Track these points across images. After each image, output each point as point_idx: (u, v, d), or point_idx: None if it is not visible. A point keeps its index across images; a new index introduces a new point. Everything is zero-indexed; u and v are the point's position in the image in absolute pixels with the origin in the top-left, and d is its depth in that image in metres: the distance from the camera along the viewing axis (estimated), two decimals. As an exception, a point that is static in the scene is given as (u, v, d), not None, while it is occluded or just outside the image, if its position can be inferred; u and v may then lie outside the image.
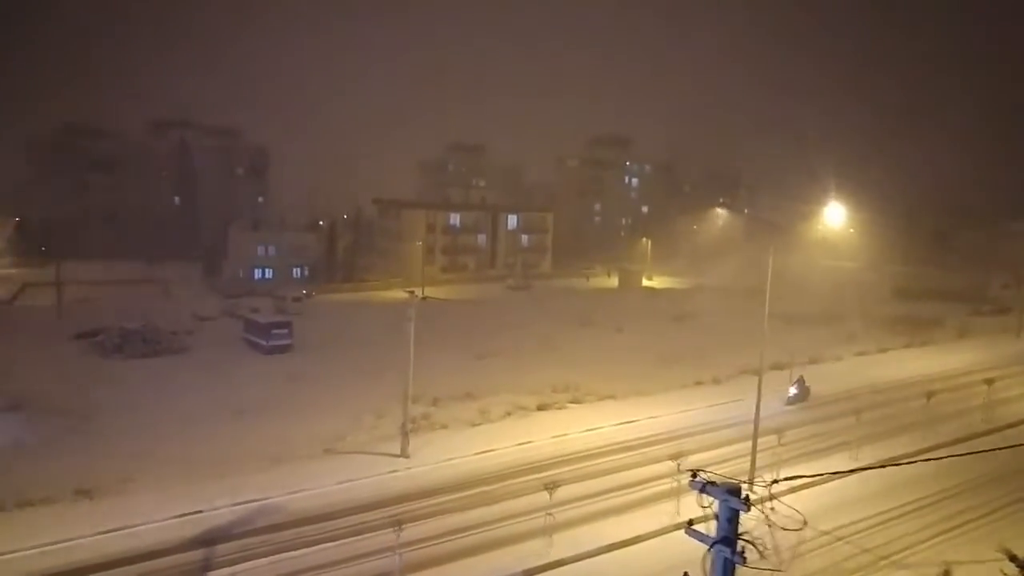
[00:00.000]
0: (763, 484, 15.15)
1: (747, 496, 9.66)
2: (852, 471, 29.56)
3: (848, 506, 30.32)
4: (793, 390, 44.95)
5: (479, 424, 39.70)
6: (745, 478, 27.65)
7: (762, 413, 33.17)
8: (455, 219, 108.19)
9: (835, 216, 78.04)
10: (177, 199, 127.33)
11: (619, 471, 33.69)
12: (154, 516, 27.71)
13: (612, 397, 45.40)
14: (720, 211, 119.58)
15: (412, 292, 37.02)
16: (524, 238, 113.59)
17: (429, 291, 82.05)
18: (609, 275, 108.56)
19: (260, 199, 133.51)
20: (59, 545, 25.47)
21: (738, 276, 74.69)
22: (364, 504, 29.43)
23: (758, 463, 31.93)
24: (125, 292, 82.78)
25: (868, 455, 35.70)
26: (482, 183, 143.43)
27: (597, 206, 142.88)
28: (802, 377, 46.11)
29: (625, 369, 51.91)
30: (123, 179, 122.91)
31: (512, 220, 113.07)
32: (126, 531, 26.70)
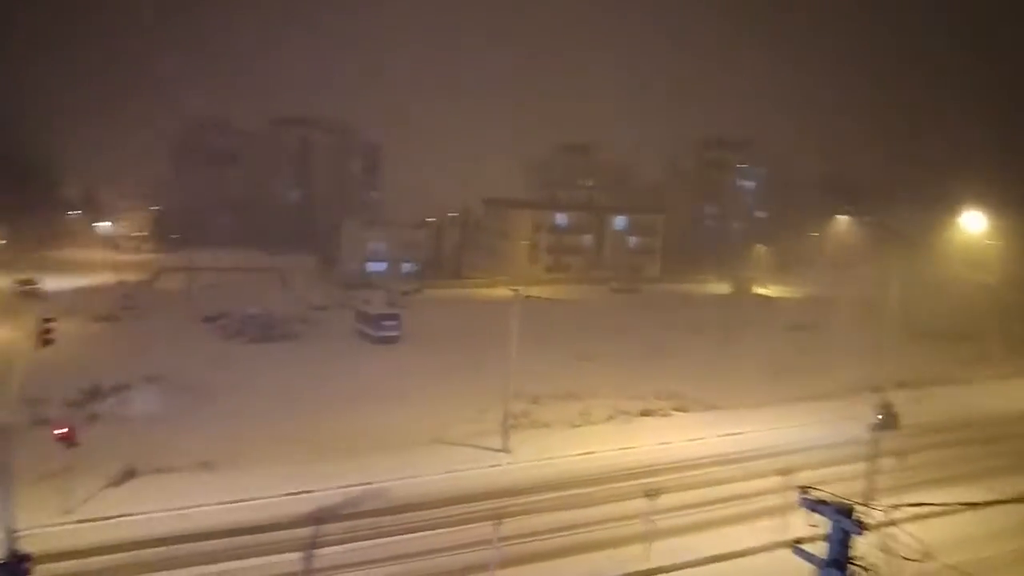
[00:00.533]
0: (880, 508, 14.42)
1: (861, 519, 9.31)
2: (988, 503, 27.65)
3: (970, 541, 28.33)
4: (878, 416, 41.47)
5: (580, 425, 39.73)
6: (856, 500, 26.41)
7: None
8: (561, 219, 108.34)
9: (974, 225, 72.46)
10: (297, 192, 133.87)
11: (723, 483, 32.91)
12: (267, 492, 29.46)
13: (718, 407, 44.34)
14: (842, 217, 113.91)
15: (516, 290, 37.49)
16: (632, 240, 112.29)
17: (533, 290, 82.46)
18: (720, 281, 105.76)
19: (374, 195, 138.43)
20: (184, 511, 27.54)
21: (860, 287, 71.09)
22: (465, 495, 30.12)
23: (856, 486, 30.36)
24: (247, 279, 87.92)
25: (969, 492, 33.12)
26: (590, 183, 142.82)
27: (710, 209, 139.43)
28: (889, 402, 42.32)
29: (733, 379, 50.51)
30: (249, 172, 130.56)
31: (620, 221, 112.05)
32: (242, 503, 28.52)
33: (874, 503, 28.78)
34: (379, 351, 55.64)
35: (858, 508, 9.64)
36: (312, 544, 25.53)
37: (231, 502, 28.47)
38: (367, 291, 78.58)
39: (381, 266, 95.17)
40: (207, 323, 61.87)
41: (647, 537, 26.12)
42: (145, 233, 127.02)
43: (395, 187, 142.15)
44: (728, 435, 39.44)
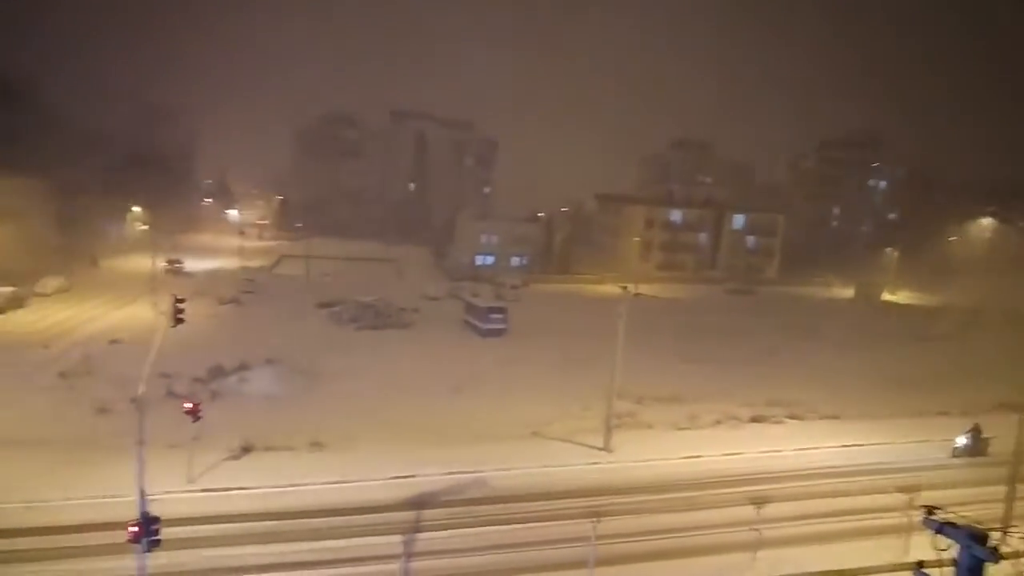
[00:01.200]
0: (1020, 536, 13.29)
1: (996, 546, 8.60)
2: None
3: None
4: (962, 440, 37.98)
5: (686, 428, 38.89)
6: (990, 526, 24.50)
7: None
8: (676, 216, 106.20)
9: None
10: (412, 185, 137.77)
11: (837, 496, 31.35)
12: (373, 474, 30.55)
13: (836, 417, 42.26)
14: (988, 221, 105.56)
15: (625, 287, 37.03)
16: (750, 240, 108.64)
17: (643, 288, 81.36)
18: (845, 286, 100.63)
19: (487, 189, 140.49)
20: (294, 488, 29.00)
21: (1003, 296, 65.83)
22: (565, 491, 30.16)
23: (989, 510, 28.09)
24: (362, 268, 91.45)
25: None
26: (708, 180, 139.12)
27: (835, 210, 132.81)
28: (978, 426, 38.61)
29: (854, 388, 47.99)
30: (369, 165, 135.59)
31: (738, 220, 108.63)
32: (349, 484, 29.71)
33: (1012, 530, 26.70)
34: (486, 343, 56.49)
35: (993, 534, 8.92)
36: (413, 528, 26.29)
37: (338, 482, 29.71)
38: (476, 283, 79.91)
39: (491, 259, 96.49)
40: (323, 309, 64.69)
41: (752, 546, 25.28)
42: (269, 221, 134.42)
43: (508, 181, 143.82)
44: (845, 447, 37.53)
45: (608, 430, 34.95)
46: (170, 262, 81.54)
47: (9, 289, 58.72)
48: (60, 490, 27.35)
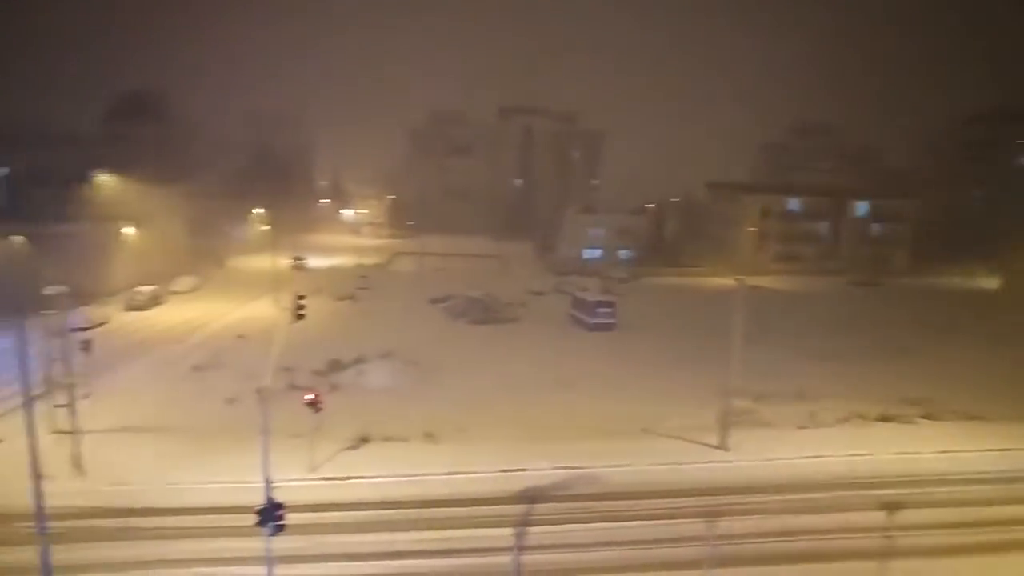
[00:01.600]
0: None
1: None
2: None
3: None
4: None
5: (808, 427, 37.23)
6: None
7: None
8: (794, 204, 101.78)
9: None
10: (519, 181, 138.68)
11: (982, 504, 29.16)
12: (484, 466, 31.02)
13: (980, 418, 39.26)
14: None
15: (740, 280, 35.80)
16: (875, 228, 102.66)
17: (759, 280, 78.53)
18: (990, 276, 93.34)
19: (594, 182, 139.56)
20: (409, 478, 29.85)
21: None
22: (679, 489, 29.58)
23: None
24: (471, 264, 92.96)
25: None
26: (828, 166, 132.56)
27: (978, 193, 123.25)
28: None
29: (1003, 387, 44.38)
30: (475, 162, 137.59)
31: (862, 207, 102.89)
32: (461, 475, 30.29)
33: None
34: (594, 338, 56.15)
35: None
36: (524, 521, 26.49)
37: (451, 473, 30.36)
38: (583, 278, 79.58)
39: (598, 252, 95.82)
40: (434, 304, 66.27)
41: (882, 554, 23.89)
42: (382, 220, 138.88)
43: (616, 173, 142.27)
44: (991, 450, 34.83)
45: (724, 428, 33.98)
46: (295, 259, 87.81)
47: (150, 288, 63.59)
48: (194, 474, 29.34)
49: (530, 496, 28.48)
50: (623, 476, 30.66)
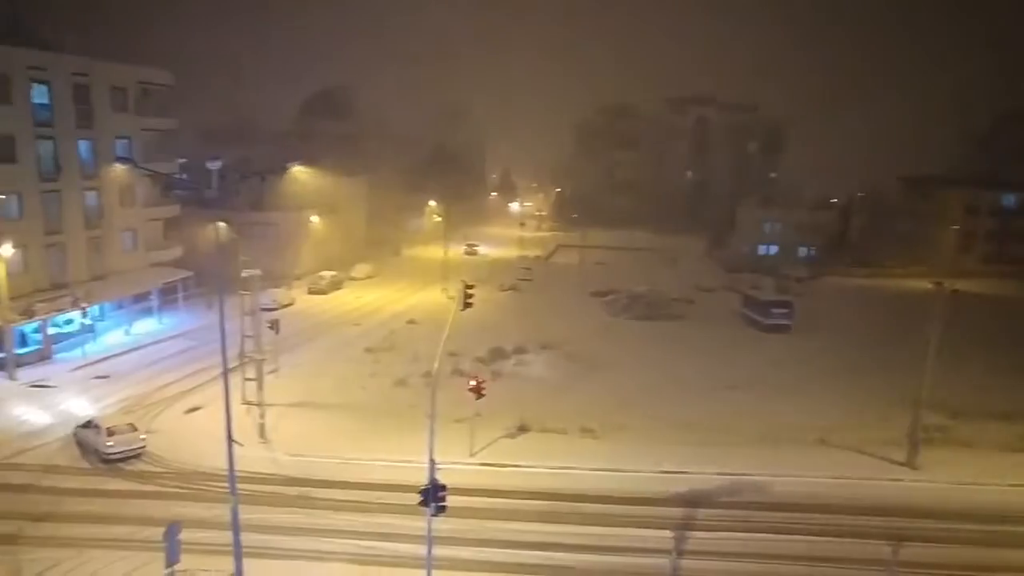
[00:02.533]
0: None
1: None
2: None
3: None
4: None
5: (1018, 451, 33.23)
6: None
7: None
8: (1008, 199, 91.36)
9: None
10: (690, 173, 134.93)
11: None
12: (643, 466, 30.41)
13: None
14: None
15: (939, 283, 32.44)
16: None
17: (961, 284, 71.16)
18: None
19: (772, 175, 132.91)
20: (566, 471, 29.88)
21: None
22: (857, 506, 27.49)
23: None
24: (634, 258, 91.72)
25: None
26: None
27: None
28: None
29: None
30: (643, 155, 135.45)
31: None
32: (619, 473, 29.88)
33: None
34: (768, 339, 53.46)
35: None
36: (685, 525, 25.69)
37: (609, 470, 30.04)
38: (757, 275, 75.98)
39: (775, 249, 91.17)
40: (596, 298, 65.95)
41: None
42: (546, 212, 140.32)
43: (796, 165, 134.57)
44: None
45: (914, 444, 31.08)
46: (468, 246, 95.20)
47: (331, 273, 68.29)
48: (362, 450, 31.04)
49: (692, 500, 27.59)
50: (794, 487, 28.94)
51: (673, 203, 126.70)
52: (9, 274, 39.19)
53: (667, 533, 24.88)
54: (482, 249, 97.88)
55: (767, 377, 43.59)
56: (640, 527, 25.61)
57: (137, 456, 30.19)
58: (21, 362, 40.53)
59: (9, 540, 23.51)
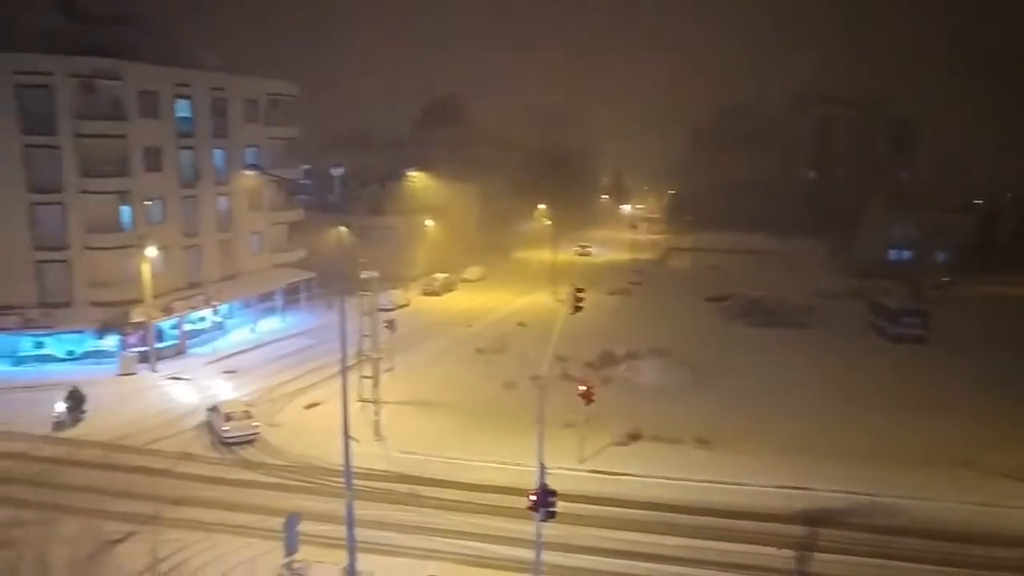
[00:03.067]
0: None
1: None
2: None
3: None
4: None
5: None
6: None
7: None
8: None
9: None
10: (811, 173, 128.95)
11: None
12: (761, 480, 28.98)
13: None
14: None
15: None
16: None
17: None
18: None
19: (902, 175, 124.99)
20: (678, 482, 28.90)
21: None
22: (1009, 537, 25.08)
23: None
24: (751, 262, 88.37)
25: None
26: None
27: None
28: None
29: None
30: (761, 155, 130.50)
31: None
32: (734, 487, 28.58)
33: None
34: (898, 351, 50.04)
35: None
36: (807, 545, 24.23)
37: (723, 483, 28.82)
38: (887, 281, 71.50)
39: (907, 254, 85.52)
40: (710, 303, 63.99)
41: None
42: (658, 215, 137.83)
43: (932, 165, 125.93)
44: None
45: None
46: (580, 247, 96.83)
47: (444, 275, 69.63)
48: (472, 451, 31.18)
49: (816, 518, 26.00)
50: (932, 511, 26.74)
51: (792, 204, 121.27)
52: (152, 274, 42.07)
53: (788, 552, 23.55)
54: (594, 250, 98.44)
55: (897, 391, 40.76)
56: (758, 544, 24.35)
57: (250, 442, 32.13)
58: (160, 356, 43.49)
59: (149, 520, 25.13)
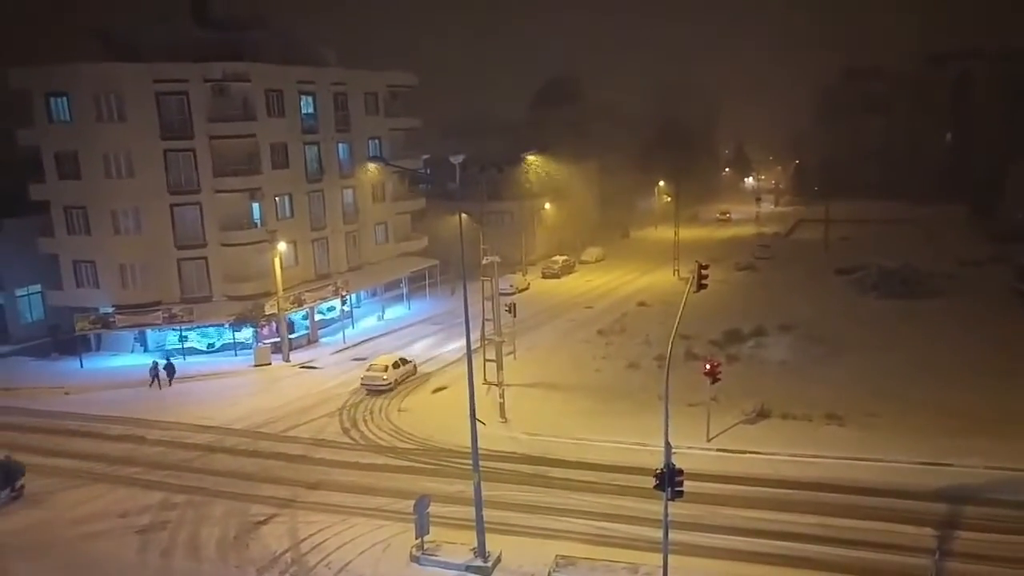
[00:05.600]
0: None
1: None
2: None
3: None
4: None
5: None
6: None
7: None
8: None
9: None
10: (949, 135, 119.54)
11: None
12: (897, 456, 27.78)
13: None
14: None
15: None
16: None
17: None
18: None
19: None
20: (808, 459, 28.14)
21: None
22: None
23: None
24: (885, 231, 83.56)
25: None
26: None
27: None
28: None
29: None
30: (895, 118, 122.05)
31: None
32: (868, 463, 27.53)
33: None
34: (1051, 319, 46.22)
35: None
36: (949, 523, 23.12)
37: (857, 459, 27.84)
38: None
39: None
40: (841, 276, 61.40)
41: None
42: (784, 186, 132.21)
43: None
44: None
45: None
46: (721, 213, 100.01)
47: (563, 258, 70.12)
48: (598, 432, 31.51)
49: (957, 496, 24.71)
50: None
51: (928, 170, 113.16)
52: (283, 267, 44.67)
53: (928, 531, 22.54)
54: (733, 216, 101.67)
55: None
56: (894, 521, 23.45)
57: (379, 392, 37.96)
58: (293, 346, 46.18)
59: (288, 504, 26.82)
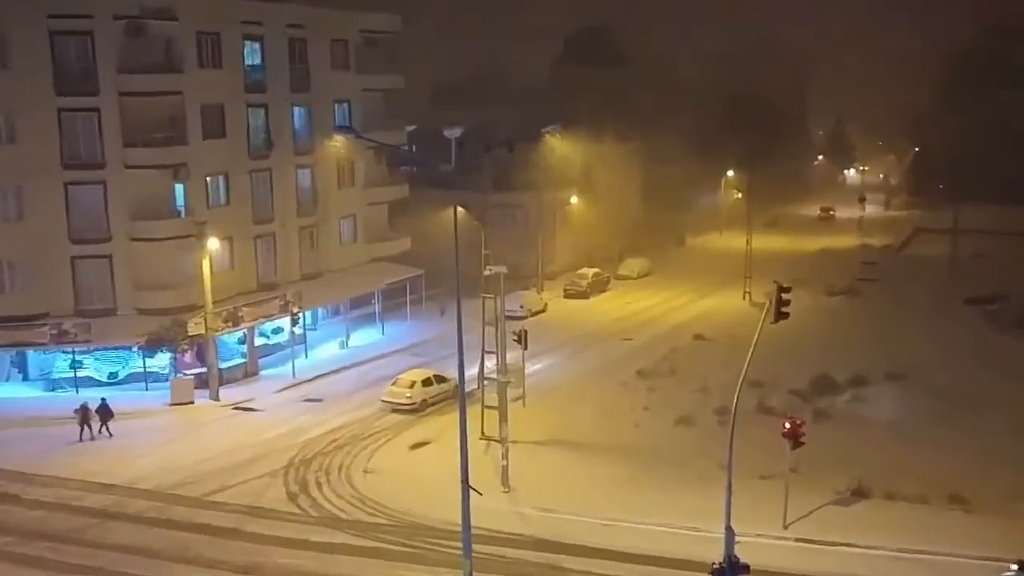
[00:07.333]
0: None
1: None
2: None
3: None
4: None
5: None
6: None
7: None
8: None
9: None
10: None
11: None
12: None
13: None
14: None
15: None
16: None
17: None
18: None
19: None
20: (921, 556, 27.78)
21: None
22: None
23: None
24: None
25: None
26: None
27: None
28: None
29: None
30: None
31: None
32: (1004, 564, 27.17)
33: None
34: None
35: None
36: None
37: (988, 559, 27.21)
38: None
39: None
40: (973, 306, 61.82)
41: None
42: (897, 182, 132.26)
43: None
44: None
45: None
46: (823, 209, 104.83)
47: (594, 271, 69.93)
48: (634, 510, 31.25)
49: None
50: None
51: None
52: (213, 272, 44.20)
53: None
54: (838, 214, 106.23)
55: None
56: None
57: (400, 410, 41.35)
58: (224, 379, 45.80)
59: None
